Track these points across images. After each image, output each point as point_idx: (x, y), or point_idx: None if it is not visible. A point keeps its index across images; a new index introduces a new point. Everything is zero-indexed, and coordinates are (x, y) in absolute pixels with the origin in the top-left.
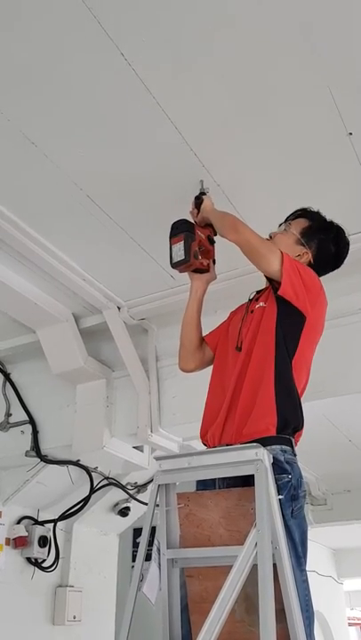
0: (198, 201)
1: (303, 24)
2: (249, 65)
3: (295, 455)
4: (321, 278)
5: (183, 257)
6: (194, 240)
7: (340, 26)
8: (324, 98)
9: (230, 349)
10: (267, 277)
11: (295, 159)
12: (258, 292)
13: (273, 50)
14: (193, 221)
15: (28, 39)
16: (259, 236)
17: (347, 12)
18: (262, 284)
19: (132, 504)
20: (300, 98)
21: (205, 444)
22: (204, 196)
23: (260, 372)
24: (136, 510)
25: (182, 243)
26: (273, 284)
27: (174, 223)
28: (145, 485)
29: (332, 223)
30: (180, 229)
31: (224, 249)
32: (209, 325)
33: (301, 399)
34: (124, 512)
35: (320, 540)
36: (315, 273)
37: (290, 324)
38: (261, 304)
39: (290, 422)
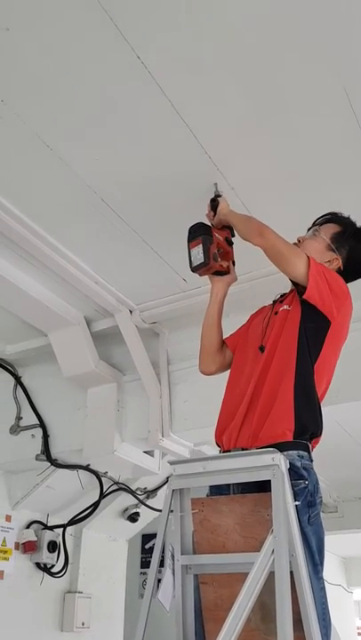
0: (214, 203)
1: (318, 28)
2: (265, 69)
3: (312, 461)
4: None
5: (203, 260)
6: (212, 242)
7: (356, 28)
8: (341, 100)
9: (250, 351)
10: (292, 281)
11: (311, 162)
12: (282, 295)
13: (289, 54)
14: (210, 224)
15: (44, 43)
16: (284, 240)
17: None
18: (277, 286)
19: (142, 509)
20: (316, 101)
21: (220, 446)
22: (219, 198)
23: (280, 374)
24: (145, 516)
25: (201, 246)
26: (298, 287)
27: (191, 227)
28: (155, 491)
29: None
30: (198, 233)
31: (237, 252)
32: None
33: (323, 404)
34: (133, 518)
35: (330, 548)
36: (342, 278)
37: (314, 329)
38: (286, 307)
39: (308, 427)
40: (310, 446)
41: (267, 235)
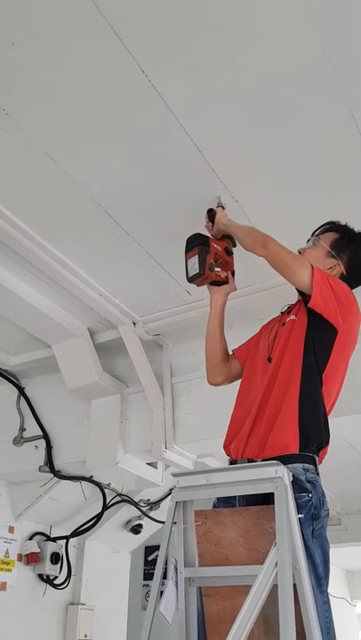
0: (211, 214)
1: (323, 43)
2: (269, 83)
3: (318, 474)
4: None
5: (198, 270)
6: (209, 253)
7: (357, 42)
8: (345, 115)
9: (259, 362)
10: (298, 290)
11: (314, 174)
12: (290, 306)
13: (293, 68)
14: (209, 234)
15: (48, 57)
16: (288, 249)
17: None
18: (282, 298)
19: (145, 521)
20: (320, 115)
21: (228, 455)
22: (216, 209)
23: (286, 385)
24: (148, 528)
25: (197, 256)
26: (304, 297)
27: (189, 238)
28: (158, 502)
29: None
30: (195, 243)
31: (240, 265)
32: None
33: (330, 415)
34: (136, 529)
35: (333, 561)
36: (347, 286)
37: (321, 338)
38: (292, 317)
39: (313, 438)
40: (317, 459)
41: (270, 245)
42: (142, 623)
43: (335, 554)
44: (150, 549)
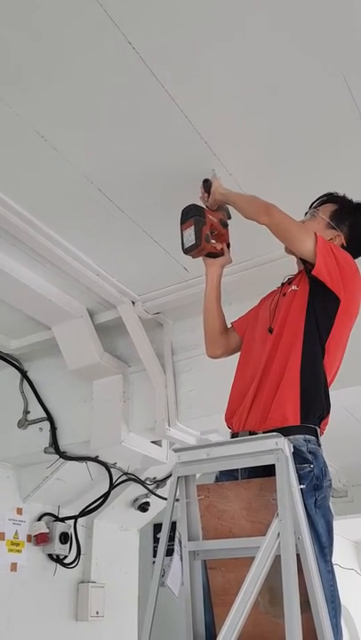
0: (207, 184)
1: (315, 10)
2: (260, 53)
3: (320, 445)
4: None
5: (194, 241)
6: (205, 224)
7: (354, 10)
8: (338, 84)
9: (260, 332)
10: (301, 260)
11: (309, 145)
12: (290, 277)
13: (283, 36)
14: (204, 206)
15: (31, 31)
16: (291, 217)
17: None
18: (279, 273)
19: (152, 499)
20: (313, 84)
21: (230, 428)
22: (212, 179)
23: (287, 355)
24: (156, 505)
25: (193, 227)
26: (306, 265)
27: (184, 209)
28: (164, 480)
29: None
30: (190, 214)
31: (238, 239)
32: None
33: (331, 385)
34: (143, 507)
35: (342, 533)
36: (350, 255)
37: (323, 307)
38: (294, 287)
39: (314, 409)
40: (318, 430)
41: (274, 213)
42: (148, 597)
43: (343, 526)
44: (159, 527)
